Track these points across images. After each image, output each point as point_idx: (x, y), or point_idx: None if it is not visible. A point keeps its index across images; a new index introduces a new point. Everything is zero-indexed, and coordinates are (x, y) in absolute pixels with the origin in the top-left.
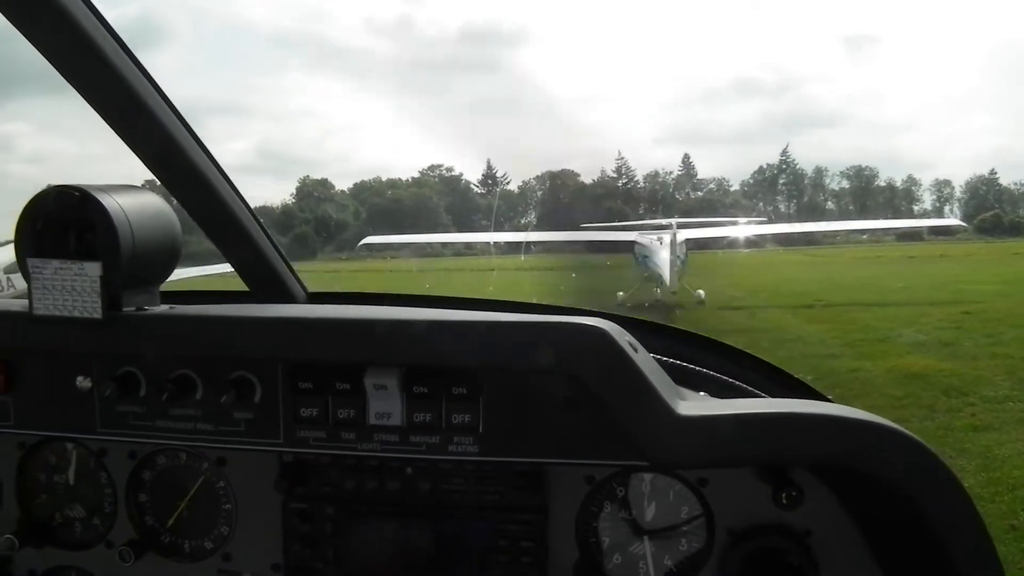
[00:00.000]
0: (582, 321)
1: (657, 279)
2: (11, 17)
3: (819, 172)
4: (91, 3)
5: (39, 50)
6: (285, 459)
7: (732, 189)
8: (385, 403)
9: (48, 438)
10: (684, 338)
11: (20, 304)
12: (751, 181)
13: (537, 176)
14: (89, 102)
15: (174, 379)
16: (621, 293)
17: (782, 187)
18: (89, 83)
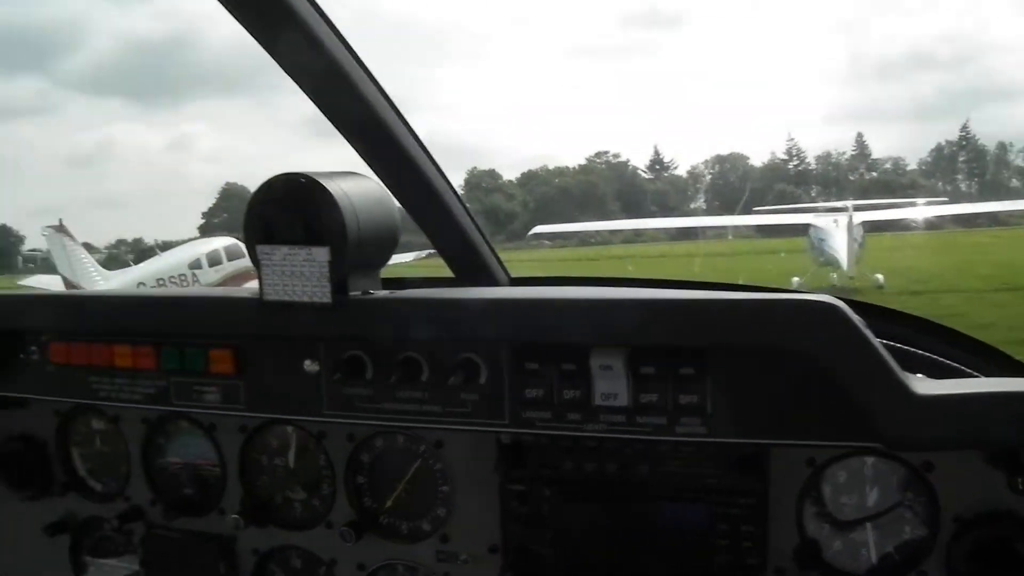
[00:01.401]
0: (811, 297)
1: (833, 263)
2: (239, 16)
3: (1002, 148)
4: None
5: (255, 36)
6: (503, 441)
7: (909, 168)
8: (611, 383)
9: (270, 421)
10: (891, 317)
11: (249, 291)
12: (929, 159)
13: (705, 160)
14: (314, 99)
15: (401, 361)
16: (796, 278)
17: (962, 164)
18: (309, 76)
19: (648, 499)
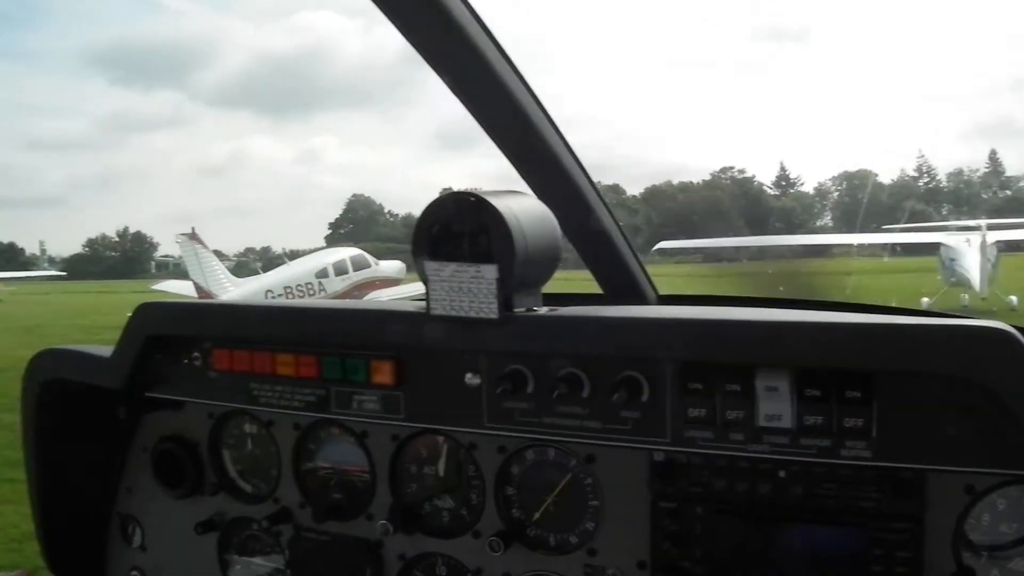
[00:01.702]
0: (983, 324)
1: (965, 283)
2: (394, 20)
3: None
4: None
5: (412, 42)
6: (656, 458)
7: None
8: (775, 405)
9: (422, 431)
10: None
11: (415, 306)
12: None
13: (832, 177)
14: (475, 114)
15: (562, 377)
16: (926, 299)
17: None
18: (470, 89)
19: (802, 521)
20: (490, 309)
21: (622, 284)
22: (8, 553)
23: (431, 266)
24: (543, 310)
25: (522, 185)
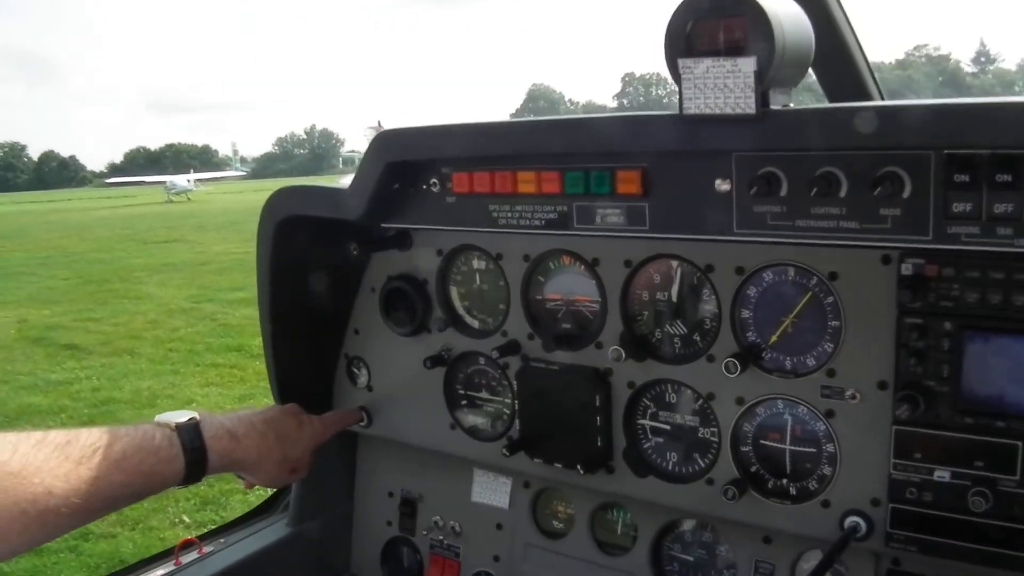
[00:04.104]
0: None
1: None
2: None
3: None
4: None
5: None
6: (904, 272)
7: None
8: None
9: (656, 256)
10: None
11: (664, 112)
12: None
13: None
14: None
15: (819, 176)
16: None
17: None
18: None
19: None
20: (747, 104)
21: (850, 88)
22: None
23: (684, 63)
24: (800, 107)
25: None
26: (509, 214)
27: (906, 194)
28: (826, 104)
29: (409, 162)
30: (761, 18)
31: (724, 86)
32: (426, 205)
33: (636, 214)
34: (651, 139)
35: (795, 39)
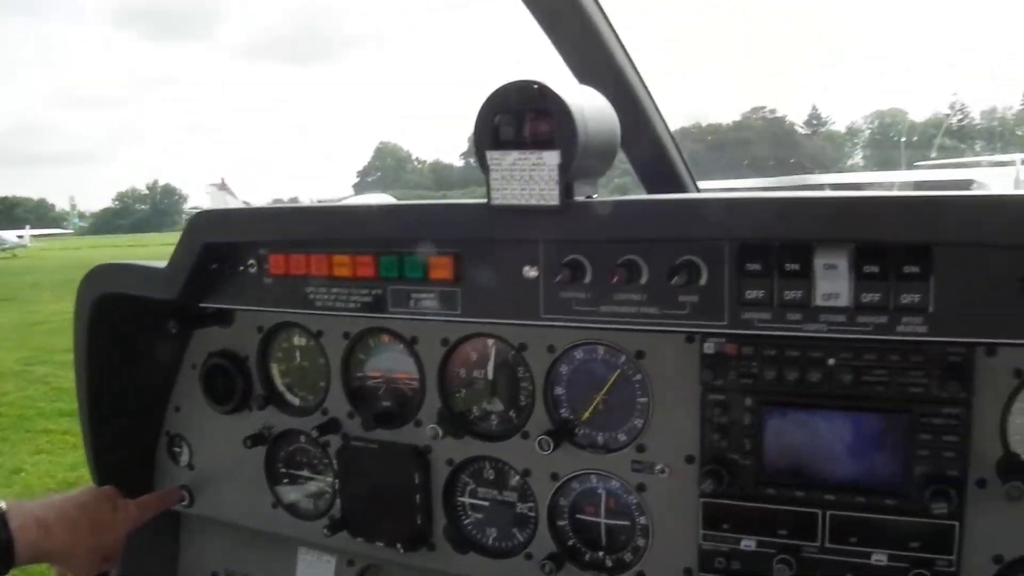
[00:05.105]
0: None
1: None
2: None
3: None
4: None
5: None
6: (706, 351)
7: None
8: (833, 283)
9: (472, 335)
10: None
11: (474, 200)
12: None
13: (864, 115)
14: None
15: (621, 264)
16: None
17: None
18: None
19: (850, 409)
20: (551, 196)
21: (663, 178)
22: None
23: (492, 155)
24: (603, 199)
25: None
26: (326, 296)
27: (703, 281)
28: (626, 196)
29: (227, 243)
30: (565, 113)
31: (530, 178)
32: (244, 286)
33: (449, 298)
34: (461, 227)
35: (599, 133)
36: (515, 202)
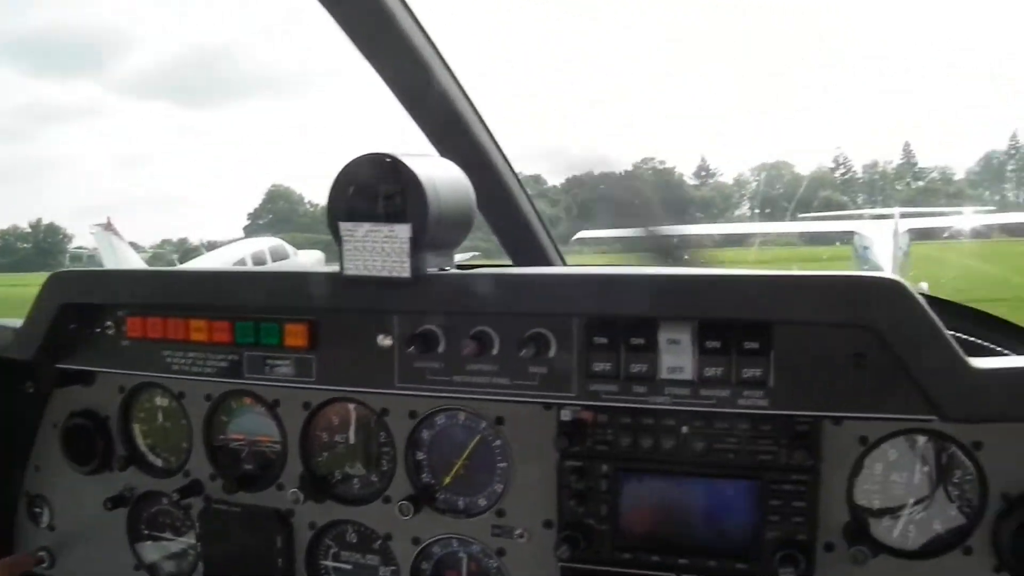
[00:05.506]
0: (874, 274)
1: (877, 270)
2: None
3: None
4: None
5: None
6: (563, 418)
7: (956, 178)
8: (677, 358)
9: (333, 399)
10: (934, 302)
11: (330, 269)
12: (977, 169)
13: (751, 168)
14: (395, 90)
15: (472, 336)
16: None
17: (1011, 174)
18: (392, 68)
19: (703, 476)
20: (402, 268)
21: (532, 253)
22: None
23: (345, 226)
24: (456, 271)
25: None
26: (182, 360)
27: (551, 353)
28: (480, 266)
29: (85, 304)
30: (416, 188)
31: (382, 250)
32: (102, 347)
33: (304, 365)
34: (315, 296)
35: (453, 205)
36: (368, 273)
